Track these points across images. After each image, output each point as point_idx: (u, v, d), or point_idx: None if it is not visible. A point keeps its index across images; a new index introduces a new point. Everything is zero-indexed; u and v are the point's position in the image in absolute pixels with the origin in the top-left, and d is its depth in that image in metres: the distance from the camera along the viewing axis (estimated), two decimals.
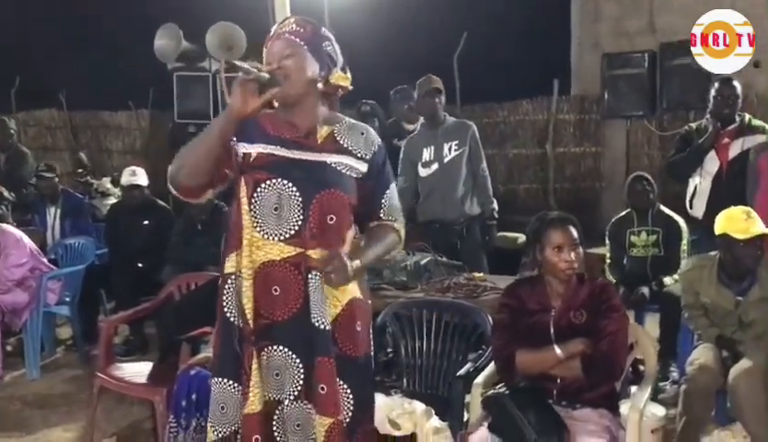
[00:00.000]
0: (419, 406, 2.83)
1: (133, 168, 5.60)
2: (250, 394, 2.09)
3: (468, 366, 2.91)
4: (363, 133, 2.21)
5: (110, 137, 10.25)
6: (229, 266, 2.15)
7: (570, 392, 2.55)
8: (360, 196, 2.18)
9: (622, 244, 4.59)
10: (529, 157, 8.14)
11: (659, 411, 3.10)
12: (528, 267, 2.88)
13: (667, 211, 4.56)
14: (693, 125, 4.51)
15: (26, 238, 4.85)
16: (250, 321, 2.10)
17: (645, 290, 4.30)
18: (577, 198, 7.73)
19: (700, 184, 4.32)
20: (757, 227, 3.20)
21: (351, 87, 2.23)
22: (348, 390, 2.14)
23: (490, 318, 3.00)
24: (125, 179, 5.51)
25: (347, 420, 2.13)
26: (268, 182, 2.09)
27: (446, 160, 4.59)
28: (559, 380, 2.56)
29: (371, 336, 2.24)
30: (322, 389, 2.08)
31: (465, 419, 2.81)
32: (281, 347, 2.10)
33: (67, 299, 5.10)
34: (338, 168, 2.14)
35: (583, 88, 7.93)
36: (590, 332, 2.55)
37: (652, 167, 6.83)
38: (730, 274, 3.29)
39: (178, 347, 3.36)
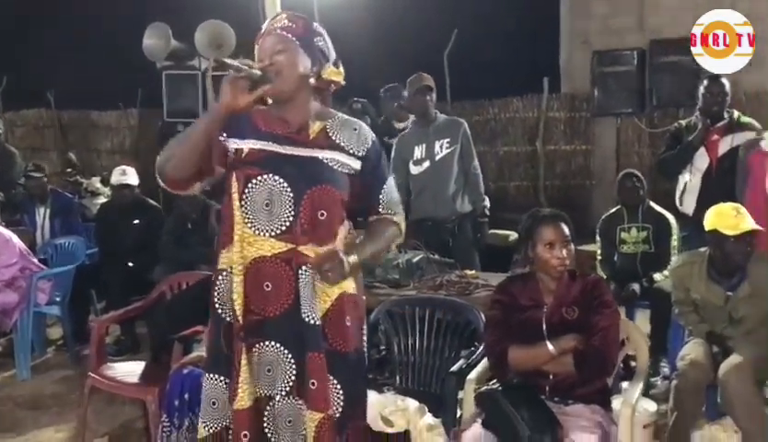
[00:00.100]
0: (412, 403, 2.84)
1: (123, 167, 5.59)
2: (239, 390, 2.09)
3: (460, 362, 2.91)
4: (356, 129, 2.21)
5: (99, 137, 10.20)
6: (222, 262, 2.15)
7: (563, 388, 2.56)
8: (357, 192, 2.18)
9: (612, 241, 4.61)
10: (519, 154, 8.17)
11: (651, 406, 3.12)
12: (519, 264, 2.89)
13: (657, 208, 4.59)
14: (683, 122, 4.53)
15: (15, 239, 4.82)
16: (240, 317, 2.10)
17: (636, 286, 4.32)
18: (568, 195, 7.76)
19: (690, 181, 4.35)
20: (746, 224, 3.22)
21: (344, 83, 2.23)
22: (338, 386, 2.14)
23: (482, 315, 3.01)
24: (115, 178, 5.49)
25: (337, 415, 2.13)
26: (259, 178, 2.09)
27: (437, 158, 4.59)
28: (551, 376, 2.57)
29: (363, 331, 2.24)
30: (313, 384, 2.08)
31: (458, 416, 2.82)
32: (273, 343, 2.11)
33: (57, 299, 5.07)
34: (330, 163, 2.14)
35: (573, 86, 7.95)
36: (582, 328, 2.56)
37: (642, 164, 6.87)
38: (720, 270, 3.30)
39: (170, 346, 3.35)
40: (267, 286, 2.09)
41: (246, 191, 2.09)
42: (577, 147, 7.89)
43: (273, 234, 2.08)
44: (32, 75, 10.35)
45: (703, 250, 3.40)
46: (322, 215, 2.11)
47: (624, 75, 7.08)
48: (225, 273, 2.13)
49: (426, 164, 4.62)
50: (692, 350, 3.26)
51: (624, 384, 2.93)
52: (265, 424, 2.13)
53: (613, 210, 4.71)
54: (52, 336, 5.52)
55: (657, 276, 4.34)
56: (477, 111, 8.18)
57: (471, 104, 8.27)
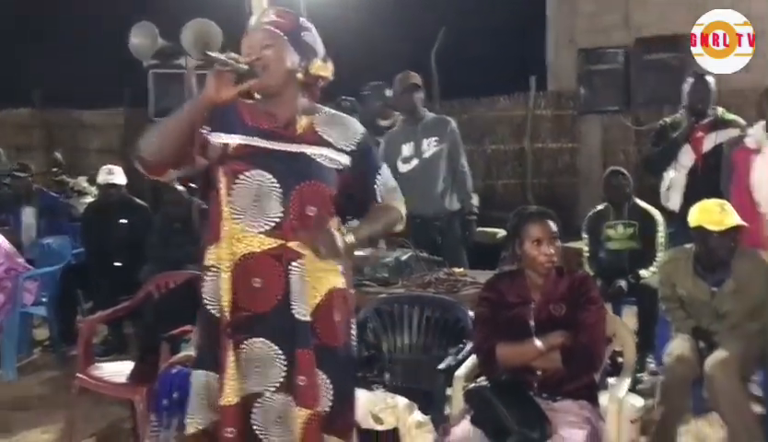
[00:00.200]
0: (401, 401, 2.85)
1: (110, 166, 5.57)
2: (226, 386, 2.09)
3: (449, 359, 2.92)
4: (344, 124, 2.21)
5: (86, 136, 10.14)
6: (209, 259, 2.15)
7: (551, 384, 2.58)
8: (350, 187, 2.18)
9: (598, 238, 4.64)
10: (507, 152, 8.20)
11: (638, 401, 3.13)
12: (507, 261, 2.90)
13: (643, 204, 4.62)
14: (668, 120, 4.57)
15: (1, 239, 4.79)
16: (227, 314, 2.10)
17: (623, 283, 4.35)
18: (555, 193, 7.80)
19: (675, 178, 4.38)
20: (731, 220, 3.24)
21: (332, 78, 2.23)
22: (328, 381, 2.14)
23: (470, 312, 3.02)
24: (102, 177, 5.47)
25: (327, 410, 2.14)
26: (247, 174, 2.09)
27: (425, 156, 4.60)
28: (540, 373, 2.58)
29: (352, 326, 2.25)
30: (302, 380, 2.09)
31: (447, 412, 2.82)
32: (262, 339, 2.10)
33: (44, 299, 5.05)
34: (318, 159, 2.14)
35: (559, 84, 8.00)
36: (570, 325, 2.57)
37: (628, 161, 6.91)
38: (705, 266, 3.33)
39: (158, 346, 3.34)
40: (256, 283, 2.09)
41: (234, 186, 2.09)
42: (564, 145, 7.94)
43: (262, 230, 2.08)
44: (17, 75, 10.27)
45: (688, 246, 3.43)
46: (311, 210, 2.11)
47: (610, 72, 7.13)
48: (213, 270, 2.13)
49: (415, 162, 4.62)
50: (678, 346, 3.29)
51: (612, 380, 2.94)
52: (254, 421, 2.12)
53: (600, 207, 4.74)
54: (38, 337, 5.48)
55: (643, 273, 4.38)
56: (465, 110, 8.21)
57: (459, 103, 8.29)
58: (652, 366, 4.17)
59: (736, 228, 3.25)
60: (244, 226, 2.09)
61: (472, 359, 2.83)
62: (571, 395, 2.56)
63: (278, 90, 2.13)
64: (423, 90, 4.76)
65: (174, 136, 2.07)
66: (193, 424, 2.17)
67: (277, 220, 2.08)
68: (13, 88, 10.09)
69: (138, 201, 5.57)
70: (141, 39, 7.08)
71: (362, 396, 2.71)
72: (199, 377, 2.17)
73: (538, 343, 2.55)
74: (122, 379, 3.41)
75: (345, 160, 2.17)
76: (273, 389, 2.11)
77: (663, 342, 3.63)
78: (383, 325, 3.27)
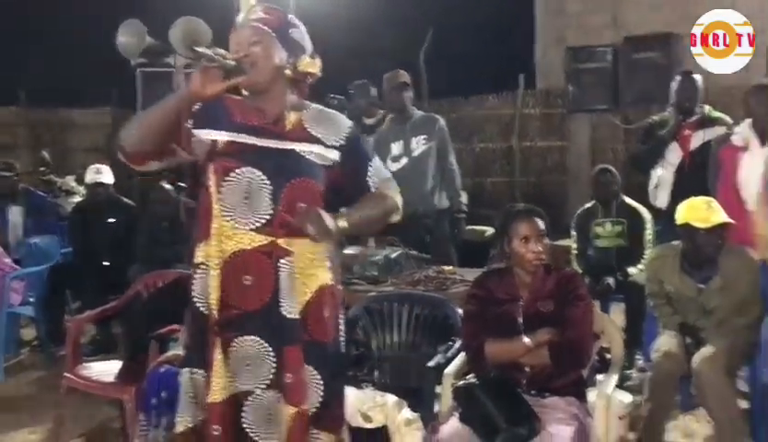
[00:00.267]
0: (390, 398, 2.85)
1: (98, 165, 5.54)
2: (213, 384, 2.09)
3: (438, 357, 2.93)
4: (332, 120, 2.21)
5: (73, 135, 10.07)
6: (198, 256, 2.14)
7: (539, 381, 2.59)
8: (342, 182, 2.18)
9: (587, 235, 4.66)
10: (495, 151, 8.21)
11: (626, 398, 3.16)
12: (496, 259, 2.91)
13: (631, 202, 4.64)
14: (656, 118, 4.59)
15: None
16: (215, 311, 2.09)
17: (611, 280, 4.37)
18: (543, 191, 7.82)
19: (663, 175, 4.41)
20: (718, 217, 3.27)
21: (320, 74, 2.23)
22: (318, 376, 2.15)
23: (460, 310, 3.02)
24: (90, 177, 5.44)
25: (317, 405, 2.14)
26: (237, 171, 2.09)
27: (414, 154, 4.61)
28: (528, 369, 2.59)
29: (341, 321, 2.25)
30: (289, 377, 2.09)
31: (437, 410, 2.83)
32: (253, 337, 2.10)
33: (31, 299, 5.02)
34: (307, 156, 2.14)
35: (548, 83, 8.02)
36: (558, 322, 2.58)
37: (616, 159, 6.93)
38: (692, 263, 3.35)
39: (146, 345, 3.33)
40: (247, 280, 2.09)
41: (224, 184, 2.09)
42: (553, 144, 7.95)
43: (252, 227, 2.08)
44: (3, 73, 10.19)
45: (676, 243, 3.45)
46: (302, 207, 2.10)
47: (598, 71, 7.14)
48: (203, 267, 2.13)
49: (404, 160, 4.63)
50: (665, 342, 3.31)
51: (600, 376, 2.96)
52: (243, 418, 2.12)
53: (588, 205, 4.76)
54: (25, 337, 5.45)
55: (631, 270, 4.40)
56: (453, 109, 8.21)
57: (448, 101, 8.29)
58: (640, 362, 4.19)
59: (723, 226, 3.27)
60: (234, 223, 2.09)
61: (461, 357, 2.84)
62: (559, 392, 2.58)
63: (266, 87, 2.13)
64: (411, 89, 4.77)
65: (156, 128, 2.07)
66: (183, 422, 2.17)
67: (268, 217, 2.08)
68: None
69: (126, 200, 5.54)
70: (129, 37, 7.04)
71: (351, 394, 2.71)
72: (187, 375, 2.17)
73: (526, 339, 2.56)
74: (111, 379, 3.40)
75: (335, 156, 2.18)
76: (263, 386, 2.11)
77: (651, 338, 3.65)
78: (372, 323, 3.27)
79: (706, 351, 3.16)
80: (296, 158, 2.13)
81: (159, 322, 3.34)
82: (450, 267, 3.96)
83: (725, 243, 3.30)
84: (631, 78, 6.94)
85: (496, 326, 2.63)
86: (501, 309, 2.66)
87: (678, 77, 4.48)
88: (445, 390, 2.76)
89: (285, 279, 2.09)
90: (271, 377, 2.10)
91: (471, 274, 3.50)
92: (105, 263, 5.19)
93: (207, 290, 2.10)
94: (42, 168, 8.06)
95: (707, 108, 4.42)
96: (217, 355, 2.09)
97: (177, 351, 3.05)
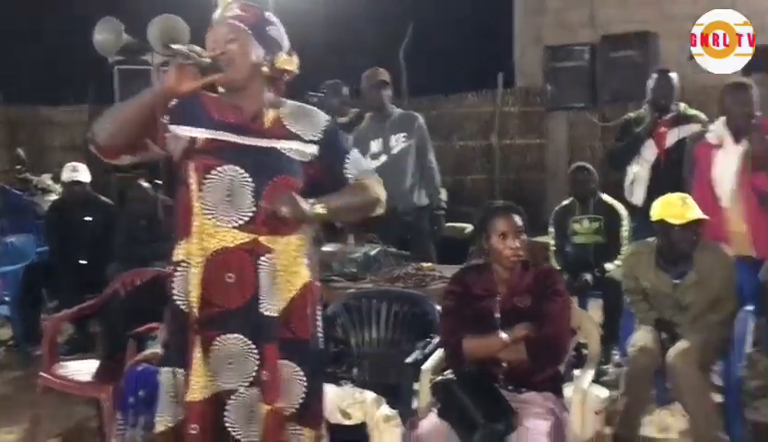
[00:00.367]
0: (369, 395, 2.86)
1: (74, 163, 5.49)
2: (192, 383, 2.08)
3: (416, 353, 2.94)
4: (309, 115, 2.21)
5: (49, 133, 9.96)
6: (178, 254, 2.13)
7: (516, 376, 2.60)
8: (320, 176, 2.17)
9: (565, 232, 4.70)
10: (475, 148, 8.23)
11: (603, 392, 3.18)
12: (475, 256, 2.93)
13: (608, 199, 4.69)
14: (633, 115, 4.64)
15: None
16: (195, 310, 2.09)
17: (589, 276, 4.41)
18: (522, 189, 7.86)
19: (639, 172, 4.45)
20: (692, 213, 3.31)
21: (297, 71, 2.23)
22: (302, 373, 2.16)
23: (438, 306, 3.04)
24: (66, 175, 5.39)
25: (300, 401, 2.15)
26: (219, 169, 2.08)
27: (394, 152, 4.62)
28: (505, 364, 2.61)
29: (318, 317, 2.25)
30: (265, 375, 2.09)
31: (415, 406, 2.84)
32: (235, 335, 2.10)
33: (7, 299, 4.96)
34: (288, 153, 2.14)
35: (527, 81, 8.06)
36: (535, 317, 2.61)
37: (594, 157, 6.98)
38: (667, 259, 3.39)
39: (124, 344, 3.31)
40: (230, 278, 2.08)
41: (205, 181, 2.08)
42: (532, 141, 7.99)
43: (235, 225, 2.08)
44: None
45: (651, 239, 3.48)
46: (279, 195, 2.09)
47: (576, 70, 7.18)
48: (183, 265, 2.11)
49: (383, 158, 4.63)
50: (641, 337, 3.34)
51: (576, 372, 2.99)
52: (226, 417, 2.11)
53: (566, 202, 4.80)
54: (1, 336, 5.39)
55: (608, 266, 4.44)
56: (433, 106, 8.22)
57: (428, 99, 8.31)
58: (617, 357, 4.23)
59: (697, 222, 3.31)
60: (216, 221, 2.08)
61: (440, 353, 2.85)
62: (536, 387, 2.60)
63: (243, 84, 2.13)
64: (391, 87, 4.78)
65: (129, 122, 2.06)
66: (163, 422, 2.15)
67: (251, 214, 2.08)
68: None
69: (103, 198, 5.50)
70: (106, 35, 6.98)
71: (330, 391, 2.71)
72: (168, 374, 2.16)
73: (503, 335, 2.58)
74: (88, 378, 3.37)
75: (313, 150, 2.17)
76: (246, 383, 2.11)
77: (628, 334, 3.68)
78: (351, 320, 3.27)
79: (681, 346, 3.20)
80: (277, 156, 2.13)
81: (137, 321, 3.32)
82: (430, 264, 3.98)
83: (699, 239, 3.34)
84: (608, 76, 6.99)
85: (474, 322, 2.65)
86: (479, 305, 2.68)
87: (654, 75, 4.53)
88: (423, 387, 2.77)
89: (264, 277, 2.09)
90: (254, 374, 2.10)
91: (451, 271, 3.51)
92: (82, 262, 5.14)
93: (188, 288, 2.09)
94: (18, 167, 7.97)
95: (683, 105, 4.48)
96: (197, 354, 2.08)
97: (155, 349, 3.03)
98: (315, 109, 2.26)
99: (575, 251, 4.66)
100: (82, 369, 3.48)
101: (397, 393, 2.92)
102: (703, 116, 4.40)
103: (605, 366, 4.18)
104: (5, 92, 9.91)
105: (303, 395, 2.16)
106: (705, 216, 3.35)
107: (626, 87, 6.69)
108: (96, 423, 3.57)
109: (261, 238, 2.09)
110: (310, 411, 2.19)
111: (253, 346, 2.10)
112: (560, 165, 7.53)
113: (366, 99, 4.86)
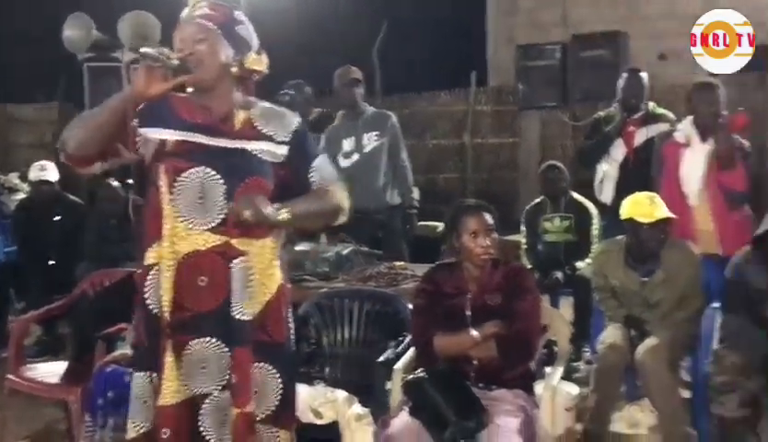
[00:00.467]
0: (341, 394, 2.86)
1: (43, 162, 5.41)
2: (163, 387, 2.06)
3: (388, 352, 2.95)
4: (280, 116, 2.20)
5: (17, 131, 9.79)
6: (150, 257, 2.11)
7: (487, 374, 2.62)
8: (287, 178, 2.16)
9: (536, 230, 4.74)
10: (447, 147, 8.25)
11: (573, 389, 3.22)
12: (448, 254, 2.94)
13: (579, 198, 4.73)
14: (602, 113, 4.67)
15: None
16: (167, 313, 2.06)
17: (559, 274, 4.46)
18: (495, 187, 7.89)
19: (608, 171, 4.49)
20: (661, 212, 3.35)
21: (267, 71, 2.22)
22: (278, 376, 2.15)
23: (410, 305, 3.05)
24: (34, 174, 5.31)
25: (276, 404, 2.14)
26: (190, 171, 2.06)
27: (366, 150, 4.62)
28: (476, 362, 2.63)
29: (290, 319, 2.25)
30: (234, 379, 2.08)
31: (388, 405, 2.85)
32: (208, 338, 2.08)
33: None
34: (259, 155, 2.13)
35: (500, 80, 8.09)
36: (505, 314, 2.62)
37: (565, 156, 7.03)
38: (636, 257, 3.43)
39: (93, 345, 3.28)
40: (202, 281, 2.06)
41: (176, 184, 2.06)
42: (504, 140, 8.03)
43: (206, 228, 2.06)
44: None
45: (620, 237, 3.52)
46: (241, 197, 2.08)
47: (547, 69, 7.23)
48: (156, 269, 2.09)
49: (355, 157, 4.63)
50: (610, 334, 3.38)
51: (547, 369, 3.01)
52: (200, 422, 2.09)
53: (537, 200, 4.84)
54: None
55: (579, 264, 4.49)
56: (406, 105, 8.22)
57: (400, 97, 8.30)
58: (588, 355, 4.27)
59: (665, 220, 3.35)
60: (188, 224, 2.06)
61: (411, 351, 2.86)
62: (507, 384, 2.61)
63: (212, 85, 2.11)
64: (363, 85, 4.77)
65: (99, 130, 2.03)
66: (135, 427, 2.12)
67: (222, 217, 2.06)
68: None
69: (72, 197, 5.43)
70: (75, 31, 6.87)
71: (302, 391, 2.71)
72: (140, 378, 2.13)
73: (474, 332, 2.60)
74: (56, 380, 3.33)
75: (284, 151, 2.16)
76: (220, 387, 2.09)
77: (598, 331, 3.72)
78: (324, 320, 3.27)
79: (650, 343, 3.24)
80: (249, 157, 2.11)
81: (106, 322, 3.29)
82: (402, 263, 3.99)
83: (667, 238, 3.38)
84: (579, 76, 7.06)
85: (445, 320, 2.66)
86: (449, 303, 2.69)
87: (624, 74, 4.57)
88: (395, 385, 2.77)
89: (236, 280, 2.07)
90: (227, 377, 2.09)
91: (423, 270, 3.51)
92: (51, 262, 5.07)
93: (159, 292, 2.07)
94: None
95: (651, 104, 4.52)
96: (168, 358, 2.06)
97: (124, 350, 3.00)
98: (286, 110, 2.24)
99: (546, 250, 4.70)
100: (50, 371, 3.44)
101: (369, 392, 2.93)
102: (671, 115, 4.45)
103: (576, 364, 4.22)
104: None
105: (279, 397, 2.15)
106: (673, 215, 3.40)
107: (597, 86, 6.75)
108: (64, 425, 3.53)
109: (234, 241, 2.07)
110: (285, 413, 2.19)
111: (226, 349, 2.08)
112: (532, 164, 7.58)
113: (339, 98, 4.86)
